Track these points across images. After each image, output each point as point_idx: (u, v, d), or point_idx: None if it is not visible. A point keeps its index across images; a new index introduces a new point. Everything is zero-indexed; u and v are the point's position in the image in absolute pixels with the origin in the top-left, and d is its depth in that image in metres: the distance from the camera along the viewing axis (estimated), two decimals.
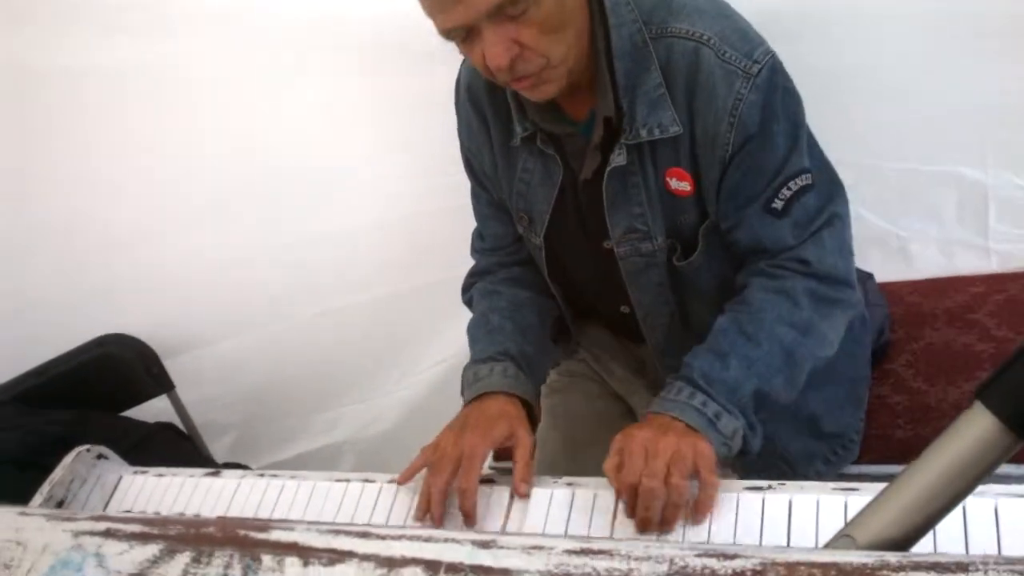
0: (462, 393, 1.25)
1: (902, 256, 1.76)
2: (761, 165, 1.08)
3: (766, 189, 1.04)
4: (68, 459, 1.37)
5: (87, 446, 1.43)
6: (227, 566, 0.78)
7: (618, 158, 1.09)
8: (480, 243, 1.45)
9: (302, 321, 2.17)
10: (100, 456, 1.40)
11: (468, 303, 1.44)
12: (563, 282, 1.39)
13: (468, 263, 1.47)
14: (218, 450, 2.24)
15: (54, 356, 2.06)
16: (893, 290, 1.82)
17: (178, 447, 2.06)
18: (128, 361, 2.10)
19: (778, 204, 1.08)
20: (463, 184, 1.42)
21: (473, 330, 1.35)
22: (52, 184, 1.87)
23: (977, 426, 0.60)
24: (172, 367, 2.11)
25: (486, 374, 1.21)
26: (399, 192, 1.92)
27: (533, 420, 1.23)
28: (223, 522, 0.81)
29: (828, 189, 1.14)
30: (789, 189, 1.08)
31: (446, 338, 2.14)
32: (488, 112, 1.23)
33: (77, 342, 2.09)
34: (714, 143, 1.07)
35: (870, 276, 1.73)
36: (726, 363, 1.02)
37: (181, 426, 2.13)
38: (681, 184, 1.12)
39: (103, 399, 2.08)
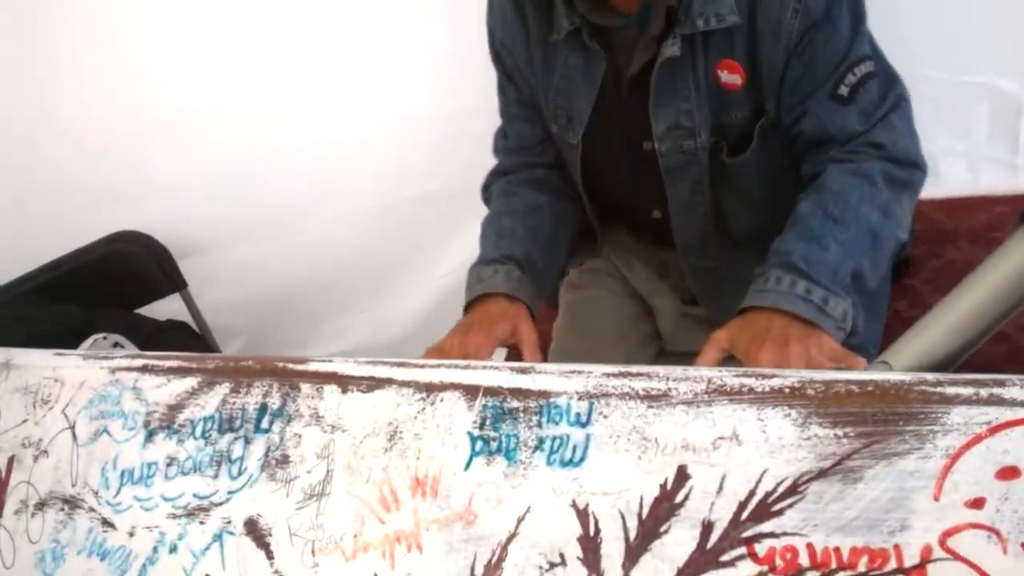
0: (465, 293, 1.24)
1: (930, 173, 1.75)
2: (826, 53, 1.07)
3: (831, 77, 1.03)
4: (84, 346, 1.37)
5: (103, 334, 1.44)
6: (266, 395, 0.80)
7: (671, 48, 1.08)
8: (504, 142, 1.43)
9: (316, 227, 2.17)
10: (116, 344, 1.41)
11: (486, 201, 1.44)
12: (596, 186, 1.38)
13: (482, 171, 1.45)
14: (228, 353, 2.26)
15: (69, 251, 2.06)
16: (918, 207, 1.81)
17: (188, 346, 2.07)
18: (141, 258, 2.10)
19: (844, 91, 1.07)
20: (479, 87, 1.40)
21: (485, 229, 1.33)
22: (71, 79, 1.85)
23: (1022, 249, 0.61)
24: (186, 269, 2.11)
25: (489, 276, 1.20)
26: (414, 95, 1.90)
27: (535, 321, 1.22)
28: (261, 357, 0.83)
29: (889, 74, 1.12)
30: (854, 75, 1.07)
31: (456, 247, 2.14)
32: (527, 5, 1.21)
33: (92, 238, 2.09)
34: (777, 32, 1.05)
35: None
36: (823, 244, 0.98)
37: (194, 326, 2.14)
38: (732, 77, 1.11)
39: (116, 295, 2.09)
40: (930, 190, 1.78)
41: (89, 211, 2.06)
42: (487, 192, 1.39)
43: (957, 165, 1.76)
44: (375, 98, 1.93)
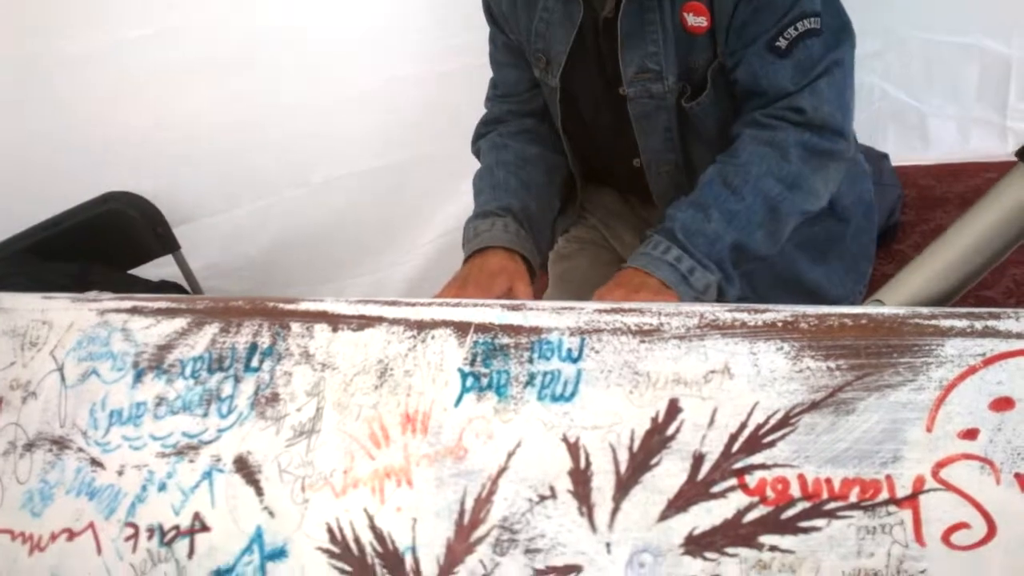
0: (463, 247, 1.24)
1: (919, 134, 1.74)
2: (772, 1, 1.06)
3: (774, 27, 1.02)
4: None
5: (96, 292, 1.42)
6: (256, 334, 0.79)
7: None
8: (493, 91, 1.42)
9: (307, 191, 2.15)
10: None
11: (476, 153, 1.42)
12: (577, 133, 1.37)
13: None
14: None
15: (62, 211, 2.04)
16: (907, 173, 1.81)
17: None
18: (133, 219, 2.08)
19: (782, 43, 1.06)
20: (471, 48, 1.38)
21: (477, 183, 1.33)
22: (63, 41, 1.83)
23: (1020, 185, 0.60)
24: (179, 232, 2.10)
25: (486, 229, 1.20)
26: (404, 56, 1.88)
27: (533, 277, 1.22)
28: (251, 297, 0.82)
29: (836, 37, 1.11)
30: (796, 29, 1.06)
31: (450, 210, 2.13)
32: None
33: (84, 199, 2.07)
34: None
35: (885, 156, 1.72)
36: (708, 215, 1.01)
37: (187, 288, 2.13)
38: (698, 20, 1.10)
39: (109, 256, 2.07)
40: (920, 153, 1.78)
41: (81, 172, 2.04)
42: (477, 144, 1.38)
43: (946, 127, 1.75)
44: (365, 60, 1.91)
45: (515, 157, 1.27)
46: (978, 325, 0.59)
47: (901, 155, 1.67)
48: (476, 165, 1.36)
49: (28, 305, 0.92)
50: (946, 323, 0.60)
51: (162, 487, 0.76)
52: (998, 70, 1.59)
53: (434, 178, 2.04)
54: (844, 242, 1.24)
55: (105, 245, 2.00)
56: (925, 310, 0.62)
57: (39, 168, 2.01)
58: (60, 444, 0.83)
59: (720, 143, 1.16)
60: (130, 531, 0.76)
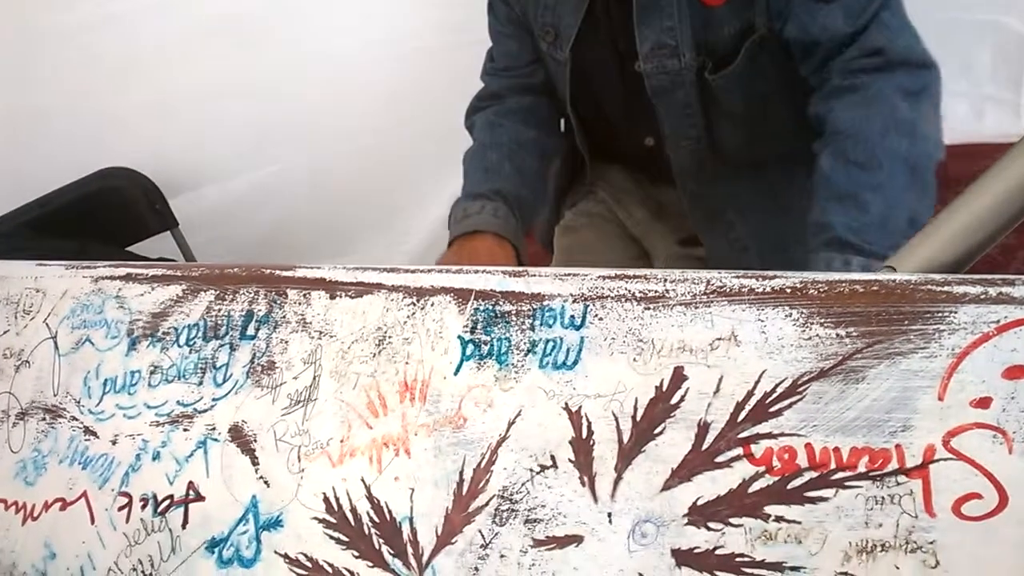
0: (449, 228, 1.21)
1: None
2: None
3: None
4: None
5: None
6: (252, 302, 0.78)
7: None
8: (491, 64, 1.39)
9: (307, 165, 2.14)
10: None
11: (470, 129, 1.39)
12: (586, 108, 1.35)
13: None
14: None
15: (58, 187, 2.03)
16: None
17: None
18: (131, 195, 2.07)
19: None
20: (474, 20, 1.36)
21: (469, 162, 1.30)
22: (61, 10, 1.81)
23: None
24: (176, 207, 2.08)
25: (475, 211, 1.17)
26: (407, 28, 1.86)
27: (519, 266, 1.19)
28: (247, 264, 0.80)
29: None
30: None
31: (454, 185, 2.10)
32: None
33: (81, 174, 2.06)
34: None
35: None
36: (861, 203, 0.89)
37: None
38: None
39: (106, 232, 2.06)
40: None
41: (78, 147, 2.02)
42: (471, 120, 1.35)
43: (960, 105, 1.73)
44: (368, 31, 1.89)
45: (510, 140, 1.24)
46: (992, 292, 0.57)
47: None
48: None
49: (21, 272, 0.90)
50: (959, 289, 0.58)
51: (156, 456, 0.75)
52: (1013, 48, 1.57)
53: (437, 152, 2.01)
54: None
55: (102, 221, 1.99)
56: (938, 276, 0.60)
57: (35, 143, 2.00)
58: (53, 413, 0.81)
59: (747, 117, 1.12)
60: (123, 500, 0.75)
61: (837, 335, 0.59)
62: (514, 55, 1.31)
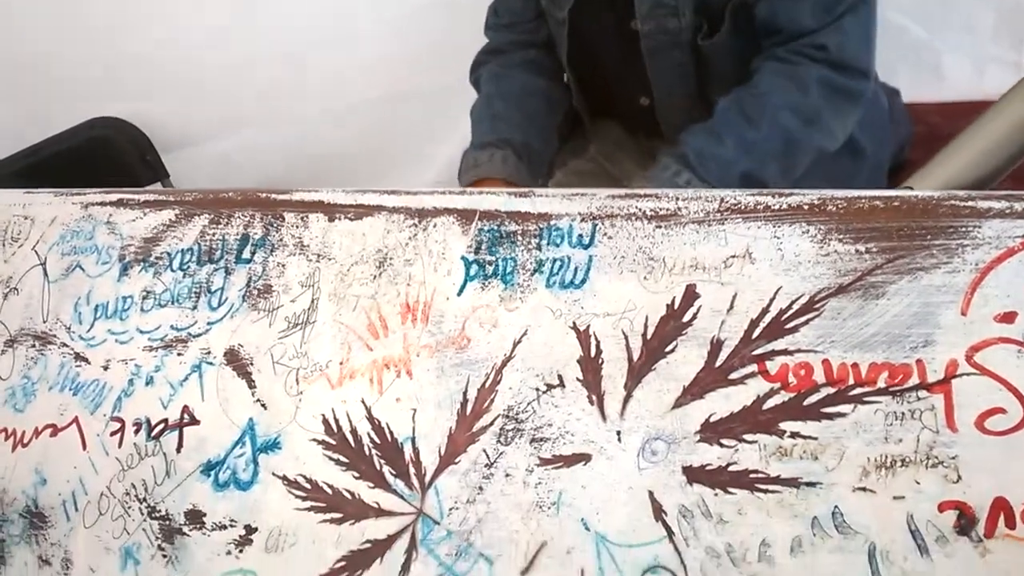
0: (459, 177, 1.20)
1: (933, 71, 1.70)
2: None
3: None
4: None
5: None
6: (247, 225, 0.75)
7: None
8: (495, 19, 1.37)
9: (300, 122, 2.10)
10: None
11: (475, 83, 1.37)
12: (583, 67, 1.32)
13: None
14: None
15: (47, 136, 1.99)
16: (918, 110, 1.77)
17: None
18: (121, 146, 2.03)
19: None
20: None
21: (477, 113, 1.28)
22: None
23: None
24: (169, 161, 2.05)
25: (485, 160, 1.16)
26: None
27: None
28: (242, 189, 0.77)
29: None
30: None
31: (449, 146, 2.08)
32: None
33: (72, 123, 2.02)
34: None
35: (896, 93, 1.68)
36: (721, 141, 0.99)
37: None
38: None
39: (96, 183, 2.01)
40: (934, 90, 1.74)
41: (68, 96, 1.98)
42: (476, 74, 1.33)
43: (961, 64, 1.71)
44: None
45: (517, 89, 1.22)
46: (1018, 206, 0.56)
47: (913, 92, 1.62)
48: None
49: (8, 200, 0.87)
50: (983, 204, 0.56)
51: (149, 381, 0.73)
52: (1016, 6, 1.54)
53: (436, 111, 1.98)
54: (860, 179, 1.21)
55: (92, 172, 1.96)
56: (961, 192, 0.58)
57: (25, 92, 1.95)
58: (43, 340, 0.79)
59: (737, 81, 1.12)
60: (116, 426, 0.73)
61: (856, 251, 0.57)
62: (518, 11, 1.29)
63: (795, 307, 0.57)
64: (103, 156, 2.03)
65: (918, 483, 0.52)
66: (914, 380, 0.54)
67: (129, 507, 0.70)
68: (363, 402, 0.65)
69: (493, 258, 0.65)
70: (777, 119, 1.02)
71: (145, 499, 0.70)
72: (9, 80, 1.98)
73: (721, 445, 0.56)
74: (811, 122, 1.03)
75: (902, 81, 1.64)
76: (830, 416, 0.54)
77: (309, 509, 0.64)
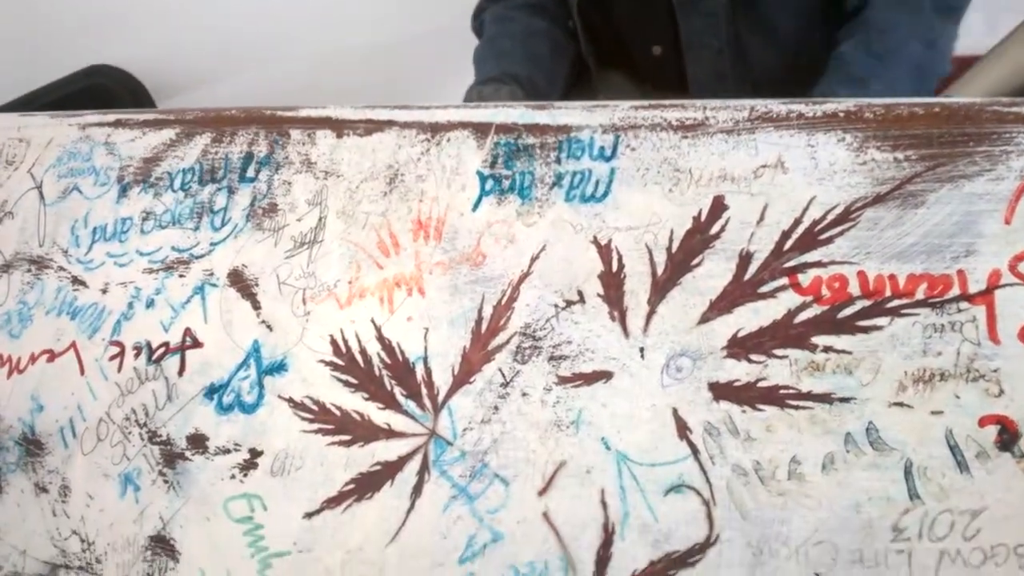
0: None
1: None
2: None
3: None
4: None
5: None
6: (251, 143, 0.72)
7: None
8: None
9: (300, 68, 2.05)
10: None
11: (477, 29, 1.33)
12: (594, 14, 1.27)
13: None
14: None
15: (43, 84, 1.95)
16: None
17: None
18: (117, 94, 1.99)
19: None
20: None
21: (480, 53, 1.24)
22: None
23: None
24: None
25: (491, 93, 1.11)
26: None
27: None
28: (245, 107, 0.74)
29: None
30: None
31: (449, 94, 2.03)
32: None
33: (69, 71, 1.98)
34: None
35: None
36: (867, 86, 0.94)
37: None
38: None
39: None
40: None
41: (65, 44, 1.94)
42: (479, 19, 1.29)
43: (974, 17, 1.67)
44: None
45: (521, 29, 1.18)
46: None
47: None
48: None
49: (3, 123, 0.84)
50: None
51: (150, 304, 0.70)
52: None
53: (436, 57, 1.94)
54: None
55: None
56: (1004, 99, 0.55)
57: (21, 39, 1.91)
58: (39, 264, 0.76)
59: (785, 35, 1.06)
60: (115, 350, 0.70)
61: (895, 159, 0.54)
62: None
63: (829, 217, 0.54)
64: (99, 104, 1.98)
65: (958, 397, 0.49)
66: (955, 291, 0.51)
67: (129, 432, 0.67)
68: (373, 322, 0.63)
69: (510, 172, 0.62)
70: (906, 52, 0.97)
71: (145, 424, 0.67)
72: (5, 27, 1.93)
73: (750, 361, 0.53)
74: (933, 47, 0.99)
75: None
76: (865, 329, 0.52)
77: (316, 431, 0.62)
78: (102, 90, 1.96)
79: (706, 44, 1.13)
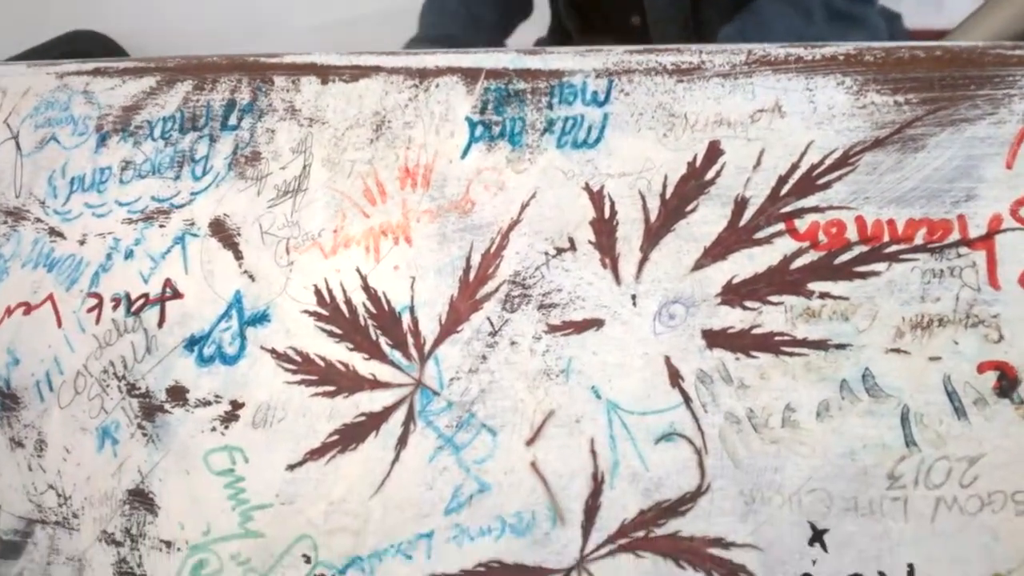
0: None
1: (933, 1, 1.64)
2: None
3: None
4: None
5: None
6: (234, 90, 0.70)
7: None
8: None
9: (281, 40, 2.03)
10: None
11: None
12: None
13: None
14: None
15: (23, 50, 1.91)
16: (917, 37, 1.73)
17: None
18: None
19: None
20: None
21: (426, 7, 1.23)
22: None
23: None
24: None
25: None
26: None
27: None
28: (228, 54, 0.72)
29: None
30: None
31: None
32: None
33: (49, 36, 1.95)
34: None
35: (898, 16, 1.63)
36: (766, 24, 0.98)
37: None
38: None
39: None
40: (933, 19, 1.69)
41: (46, 8, 1.90)
42: None
43: None
44: None
45: None
46: None
47: (912, 20, 1.58)
48: None
49: None
50: None
51: (129, 255, 0.68)
52: None
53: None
54: None
55: None
56: (1008, 42, 0.53)
57: (2, 5, 1.87)
58: (15, 215, 0.74)
59: (734, 5, 1.07)
60: (93, 302, 0.68)
61: (895, 102, 0.53)
62: None
63: (827, 162, 0.53)
64: None
65: (956, 343, 0.48)
66: (954, 236, 0.50)
67: (107, 385, 0.66)
68: (358, 271, 0.61)
69: (500, 118, 0.60)
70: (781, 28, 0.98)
71: (124, 377, 0.65)
72: None
73: (744, 308, 0.52)
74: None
75: (905, 5, 1.60)
76: (863, 275, 0.50)
77: (300, 383, 0.60)
78: (83, 56, 1.92)
79: (672, 18, 1.13)
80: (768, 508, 0.49)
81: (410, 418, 0.57)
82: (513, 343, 0.56)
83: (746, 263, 0.53)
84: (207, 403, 0.63)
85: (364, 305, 0.60)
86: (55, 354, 0.69)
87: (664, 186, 0.56)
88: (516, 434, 0.54)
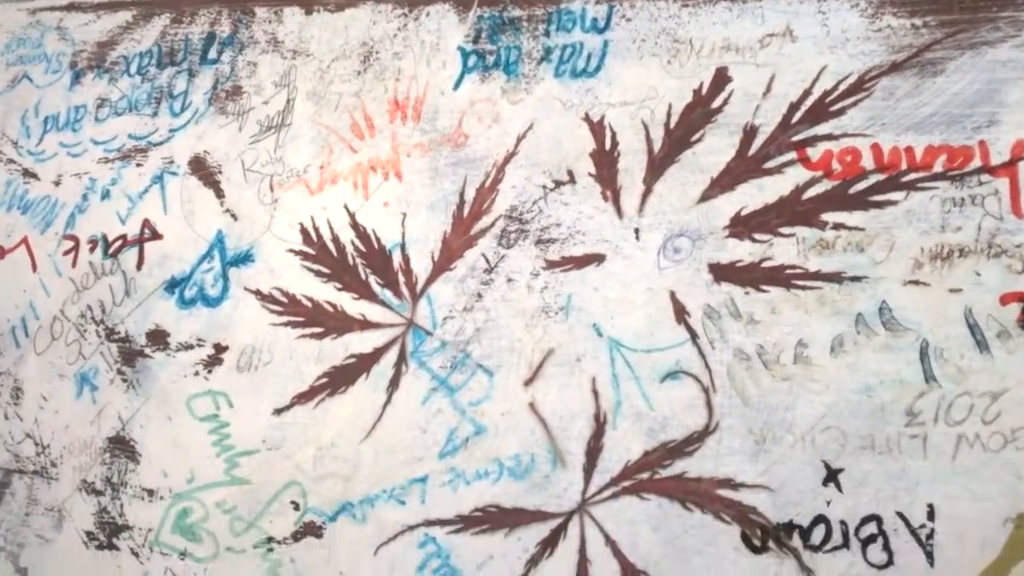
0: None
1: None
2: None
3: None
4: None
5: None
6: (213, 23, 0.66)
7: None
8: None
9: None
10: None
11: None
12: None
13: None
14: None
15: None
16: None
17: None
18: None
19: None
20: None
21: None
22: None
23: None
24: None
25: None
26: None
27: None
28: None
29: None
30: None
31: None
32: None
33: None
34: None
35: None
36: None
37: None
38: None
39: None
40: None
41: None
42: None
43: None
44: None
45: None
46: None
47: None
48: None
49: None
50: None
51: (105, 195, 0.65)
52: None
53: None
54: None
55: None
56: None
57: None
58: None
59: None
60: (69, 244, 0.65)
61: (912, 25, 0.50)
62: None
63: (841, 87, 0.50)
64: None
65: (978, 274, 0.46)
66: (976, 163, 0.47)
67: (85, 330, 0.63)
68: (346, 208, 0.58)
69: (494, 47, 0.57)
70: None
71: (102, 321, 0.62)
72: None
73: (753, 240, 0.49)
74: None
75: None
76: (879, 204, 0.48)
77: (286, 324, 0.57)
78: None
79: None
80: (780, 447, 0.47)
81: (402, 359, 0.54)
82: (510, 280, 0.53)
83: (755, 194, 0.50)
84: (189, 347, 0.60)
85: (353, 243, 0.58)
86: (30, 299, 0.66)
87: (668, 115, 0.53)
88: (513, 374, 0.52)
